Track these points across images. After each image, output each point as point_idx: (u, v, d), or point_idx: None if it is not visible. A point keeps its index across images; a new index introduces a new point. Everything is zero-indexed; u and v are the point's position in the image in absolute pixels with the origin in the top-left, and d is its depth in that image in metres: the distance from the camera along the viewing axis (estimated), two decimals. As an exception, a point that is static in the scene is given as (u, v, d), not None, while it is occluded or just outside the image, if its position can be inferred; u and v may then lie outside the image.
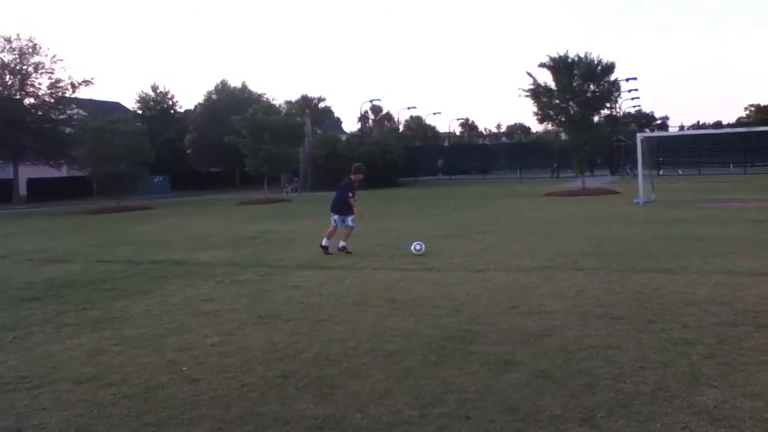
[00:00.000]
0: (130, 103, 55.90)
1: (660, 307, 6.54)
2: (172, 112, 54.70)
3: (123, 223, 22.17)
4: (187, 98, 77.39)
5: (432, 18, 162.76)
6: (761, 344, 5.14)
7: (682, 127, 65.67)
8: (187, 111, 56.25)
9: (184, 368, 5.24)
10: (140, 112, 52.64)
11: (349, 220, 11.51)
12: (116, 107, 51.47)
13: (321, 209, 24.88)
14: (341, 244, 11.40)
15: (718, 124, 77.57)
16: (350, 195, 11.51)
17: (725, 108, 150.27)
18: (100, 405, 4.50)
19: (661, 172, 36.82)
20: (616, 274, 8.40)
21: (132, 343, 6.08)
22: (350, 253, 11.23)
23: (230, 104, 45.15)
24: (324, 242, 11.50)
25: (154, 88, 54.11)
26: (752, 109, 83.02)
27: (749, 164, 41.71)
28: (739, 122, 73.07)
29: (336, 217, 11.61)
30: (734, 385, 4.27)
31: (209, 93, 51.30)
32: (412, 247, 10.83)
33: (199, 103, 52.01)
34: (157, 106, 53.53)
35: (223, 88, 51.06)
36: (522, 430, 3.76)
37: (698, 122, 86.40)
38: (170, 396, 4.61)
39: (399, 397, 4.37)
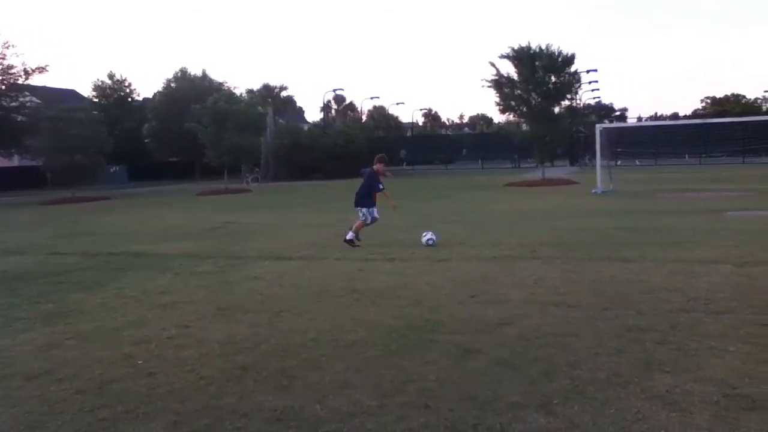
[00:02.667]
0: (86, 91, 54.58)
1: (616, 294, 6.67)
2: (129, 100, 53.53)
3: (79, 214, 21.67)
4: (146, 86, 76.14)
5: (395, 7, 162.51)
6: (712, 330, 5.28)
7: (640, 119, 66.82)
8: (145, 99, 55.11)
9: (140, 362, 5.14)
10: (96, 100, 51.37)
11: (375, 211, 11.07)
12: (71, 95, 50.18)
13: (282, 200, 24.89)
14: (349, 235, 10.89)
15: (674, 116, 79.34)
16: (380, 187, 11.00)
17: (682, 100, 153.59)
18: (52, 401, 4.39)
19: (619, 162, 37.54)
20: (573, 263, 8.53)
21: (86, 337, 5.95)
22: (357, 246, 10.74)
23: (190, 93, 44.37)
24: (349, 236, 10.82)
25: (111, 76, 52.87)
26: (708, 101, 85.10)
27: (704, 155, 42.82)
28: (695, 114, 74.87)
29: (365, 210, 10.98)
30: (686, 370, 4.38)
31: (168, 81, 50.29)
32: (424, 240, 10.46)
33: (158, 92, 50.93)
34: (114, 94, 52.33)
35: (182, 76, 50.11)
36: (480, 417, 3.79)
37: (656, 114, 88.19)
38: (125, 390, 4.52)
39: (359, 387, 4.37)
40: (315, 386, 4.43)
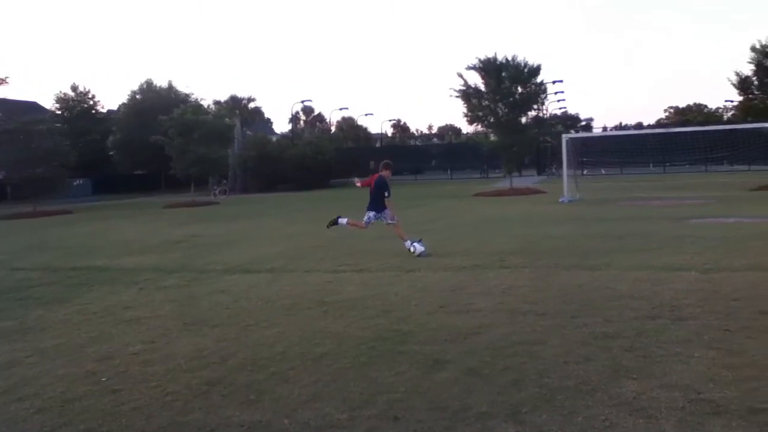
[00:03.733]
0: (48, 103, 53.52)
1: (583, 302, 6.73)
2: (93, 112, 52.66)
3: (41, 228, 21.18)
4: (110, 98, 75.01)
5: (364, 18, 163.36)
6: (677, 336, 5.36)
7: (605, 129, 68.18)
8: (110, 111, 54.32)
9: (104, 379, 5.02)
10: (59, 112, 50.45)
11: (387, 215, 10.98)
12: (33, 107, 49.06)
13: (250, 212, 24.68)
14: (409, 244, 10.61)
15: (639, 126, 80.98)
16: (387, 195, 10.91)
17: (646, 110, 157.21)
18: (12, 420, 4.26)
19: (585, 172, 38.11)
20: (541, 272, 8.60)
21: (48, 354, 5.79)
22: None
23: (156, 104, 43.81)
24: (414, 245, 10.50)
25: (74, 88, 51.99)
26: (671, 111, 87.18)
27: (668, 164, 43.71)
28: (659, 124, 76.58)
29: (372, 214, 11.01)
30: (652, 377, 4.43)
31: (134, 93, 49.70)
32: (411, 247, 10.50)
33: (123, 103, 50.34)
34: (78, 106, 51.44)
35: (148, 88, 49.57)
36: (450, 428, 3.78)
37: (621, 124, 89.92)
38: (88, 408, 4.40)
39: (328, 400, 4.32)
40: (283, 400, 4.38)
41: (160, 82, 50.98)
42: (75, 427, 4.09)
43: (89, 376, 5.12)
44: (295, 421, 4.02)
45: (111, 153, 48.29)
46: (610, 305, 6.55)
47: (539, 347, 5.22)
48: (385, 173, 11.21)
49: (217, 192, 37.35)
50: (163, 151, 31.71)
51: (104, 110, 54.26)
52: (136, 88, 50.12)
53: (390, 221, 11.01)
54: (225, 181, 40.33)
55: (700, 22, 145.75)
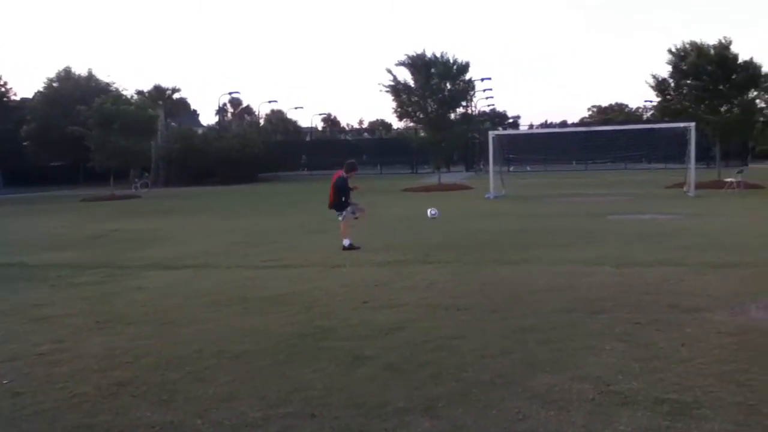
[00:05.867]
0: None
1: (504, 296, 6.87)
2: (5, 100, 49.88)
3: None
4: (25, 85, 71.13)
5: (292, 11, 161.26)
6: (591, 329, 5.53)
7: (531, 126, 69.83)
8: (24, 99, 51.58)
9: (5, 381, 4.75)
10: (-35, 100, 47.58)
11: (349, 210, 10.89)
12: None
13: (172, 206, 24.01)
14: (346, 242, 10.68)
15: (563, 124, 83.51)
16: (343, 199, 10.82)
17: (571, 109, 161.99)
18: None
19: (511, 168, 39.01)
20: (465, 266, 8.73)
21: (-56, 357, 5.43)
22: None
23: (75, 93, 41.91)
24: (346, 243, 10.61)
25: (-17, 74, 49.05)
26: (594, 110, 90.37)
27: (590, 161, 45.27)
28: (582, 122, 79.21)
29: (346, 210, 10.85)
30: (565, 369, 4.55)
31: (50, 80, 47.35)
32: (428, 213, 12.11)
33: (38, 91, 47.84)
34: (-13, 93, 48.62)
35: (66, 76, 47.33)
36: (366, 424, 3.76)
37: (546, 122, 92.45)
38: (-15, 414, 4.15)
39: (243, 399, 4.23)
40: (197, 400, 4.25)
41: (80, 70, 48.84)
42: (-31, 434, 3.84)
43: (-11, 379, 4.83)
44: (208, 421, 3.91)
45: (25, 144, 45.90)
46: (529, 299, 6.71)
47: (459, 342, 5.27)
48: (348, 174, 11.09)
49: (138, 185, 36.10)
50: (82, 142, 30.39)
51: (17, 98, 51.49)
52: (53, 75, 47.84)
53: (352, 215, 10.96)
54: (147, 174, 39.03)
55: (623, 21, 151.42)
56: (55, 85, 46.92)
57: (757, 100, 26.00)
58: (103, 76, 50.66)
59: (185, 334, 5.89)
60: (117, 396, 4.39)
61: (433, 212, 12.25)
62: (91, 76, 48.27)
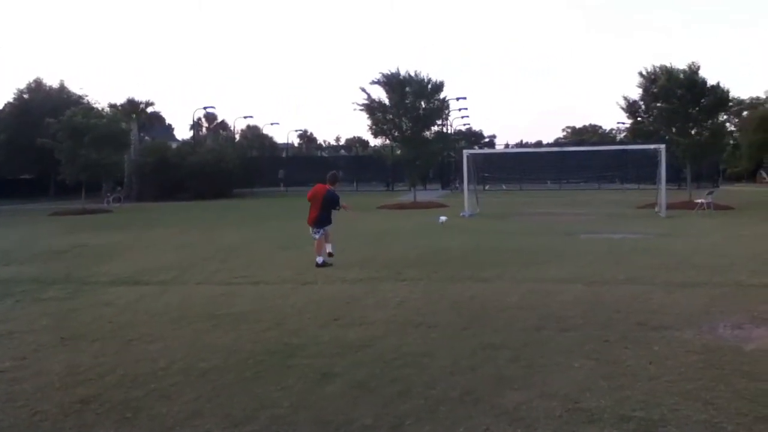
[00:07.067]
0: None
1: (474, 314, 6.86)
2: (-28, 110, 49.04)
3: None
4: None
5: (269, 27, 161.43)
6: (560, 347, 5.54)
7: (507, 146, 70.56)
8: (-8, 110, 50.74)
9: (-38, 399, 4.60)
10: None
11: (327, 228, 10.88)
12: None
13: (144, 221, 23.70)
14: (319, 259, 10.53)
15: (538, 144, 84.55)
16: (336, 208, 10.93)
17: (545, 129, 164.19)
18: None
19: (486, 187, 39.30)
20: (436, 284, 8.71)
21: None
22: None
23: (45, 105, 41.40)
24: (319, 260, 10.47)
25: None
26: (568, 130, 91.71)
27: (564, 181, 45.85)
28: (557, 142, 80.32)
29: (314, 229, 10.74)
30: (533, 386, 4.54)
31: (20, 91, 46.73)
32: (439, 220, 13.36)
33: (8, 102, 47.11)
34: (-48, 104, 47.75)
35: (37, 87, 46.75)
36: (332, 443, 3.71)
37: (522, 141, 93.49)
38: (-62, 433, 4.01)
39: (208, 417, 4.15)
40: (161, 417, 4.16)
41: (52, 81, 48.24)
42: None
43: (-55, 397, 4.67)
44: (171, 440, 3.82)
45: (-8, 155, 45.08)
46: (500, 316, 6.72)
47: (428, 359, 5.25)
48: (335, 186, 11.06)
49: (110, 199, 35.59)
50: (52, 154, 29.92)
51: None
52: (23, 86, 47.22)
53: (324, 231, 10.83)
54: (119, 188, 38.57)
55: (595, 47, 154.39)
56: (25, 96, 46.30)
57: (727, 123, 26.59)
58: (75, 88, 50.15)
59: (151, 350, 5.77)
60: (80, 414, 4.28)
61: (442, 218, 14.26)
62: (62, 88, 47.75)
